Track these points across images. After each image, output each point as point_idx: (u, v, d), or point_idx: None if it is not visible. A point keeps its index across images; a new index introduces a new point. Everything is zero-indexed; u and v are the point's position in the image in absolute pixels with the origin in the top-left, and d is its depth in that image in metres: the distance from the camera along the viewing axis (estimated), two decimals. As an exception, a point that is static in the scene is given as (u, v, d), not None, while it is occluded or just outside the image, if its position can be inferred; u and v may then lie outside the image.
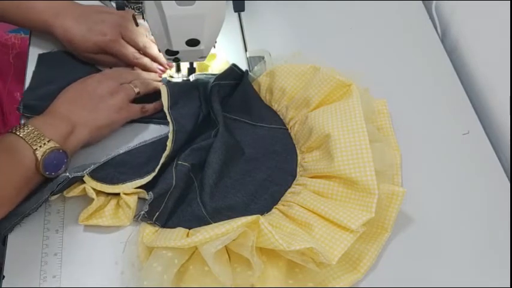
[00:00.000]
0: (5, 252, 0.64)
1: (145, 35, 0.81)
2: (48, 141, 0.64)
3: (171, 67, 0.82)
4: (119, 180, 0.68)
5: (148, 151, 0.73)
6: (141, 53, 0.80)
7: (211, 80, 0.78)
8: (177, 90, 0.76)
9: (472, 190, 0.73)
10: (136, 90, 0.75)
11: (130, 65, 0.80)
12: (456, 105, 0.83)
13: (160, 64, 0.81)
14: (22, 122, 0.69)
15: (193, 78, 0.81)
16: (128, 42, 0.79)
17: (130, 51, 0.79)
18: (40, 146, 0.63)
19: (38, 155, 0.63)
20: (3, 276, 0.62)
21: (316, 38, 0.90)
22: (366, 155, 0.66)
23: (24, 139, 0.63)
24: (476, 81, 0.87)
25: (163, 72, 0.81)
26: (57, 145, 0.65)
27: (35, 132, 0.64)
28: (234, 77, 0.80)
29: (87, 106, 0.70)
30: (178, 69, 0.81)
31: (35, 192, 0.65)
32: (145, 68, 0.80)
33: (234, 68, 0.80)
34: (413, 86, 0.84)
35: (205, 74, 0.82)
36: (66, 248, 0.65)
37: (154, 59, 0.81)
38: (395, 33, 0.91)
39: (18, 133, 0.64)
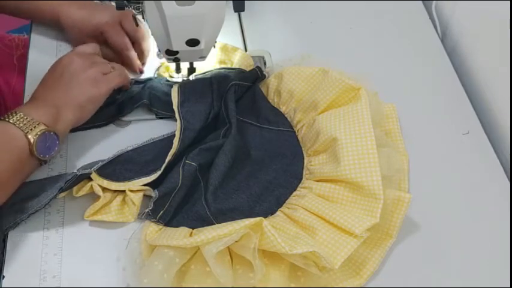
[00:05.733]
0: (5, 252, 0.64)
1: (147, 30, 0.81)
2: (38, 124, 0.65)
3: (141, 72, 0.81)
4: (125, 177, 0.68)
5: (156, 149, 0.73)
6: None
7: (230, 75, 0.78)
8: (190, 87, 0.76)
9: (472, 190, 0.73)
10: (111, 65, 0.75)
11: (119, 54, 0.80)
12: (456, 105, 0.83)
13: (144, 60, 0.82)
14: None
15: (211, 72, 0.81)
16: (127, 30, 0.79)
17: (123, 40, 0.79)
18: (31, 129, 0.64)
19: (30, 138, 0.64)
20: (3, 276, 0.62)
21: (316, 38, 0.90)
22: (372, 159, 0.66)
23: (14, 124, 0.64)
24: (476, 81, 0.87)
25: (141, 72, 0.81)
26: (47, 127, 0.65)
27: (25, 117, 0.65)
28: (255, 79, 0.80)
29: (61, 87, 0.70)
30: (178, 69, 0.81)
31: (43, 190, 0.66)
32: (129, 62, 0.80)
33: (257, 70, 0.80)
34: (413, 86, 0.84)
35: (225, 68, 0.82)
36: (66, 248, 0.65)
37: (141, 54, 0.81)
38: (395, 33, 0.91)
39: (7, 119, 0.65)
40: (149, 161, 0.71)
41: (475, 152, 0.77)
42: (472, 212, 0.71)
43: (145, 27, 0.81)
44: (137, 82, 0.80)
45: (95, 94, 0.71)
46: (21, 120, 0.65)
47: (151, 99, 0.77)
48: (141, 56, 0.82)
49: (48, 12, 0.81)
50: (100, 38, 0.80)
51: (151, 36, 0.81)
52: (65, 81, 0.70)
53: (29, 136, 0.64)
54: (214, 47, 0.76)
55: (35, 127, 0.65)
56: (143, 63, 0.83)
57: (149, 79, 0.81)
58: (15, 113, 0.66)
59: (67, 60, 0.72)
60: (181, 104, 0.74)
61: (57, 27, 0.84)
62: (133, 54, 0.80)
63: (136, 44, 0.81)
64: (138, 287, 0.60)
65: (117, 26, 0.79)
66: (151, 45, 0.83)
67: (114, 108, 0.76)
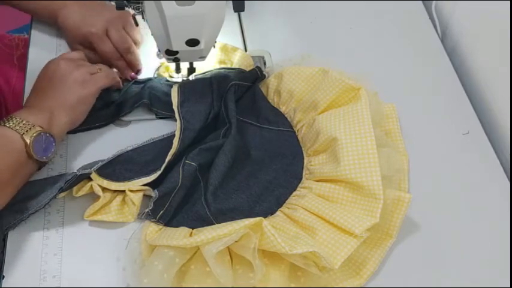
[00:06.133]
0: (5, 252, 0.64)
1: (138, 40, 0.82)
2: (33, 126, 0.66)
3: (133, 79, 0.81)
4: (124, 177, 0.68)
5: (156, 149, 0.73)
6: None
7: (230, 75, 0.78)
8: (190, 87, 0.76)
9: (472, 190, 0.73)
10: (98, 67, 0.75)
11: (107, 63, 0.79)
12: (456, 105, 0.83)
13: (134, 70, 0.82)
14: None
15: (211, 72, 0.80)
16: (113, 41, 0.79)
17: (109, 49, 0.79)
18: (26, 131, 0.65)
19: (26, 139, 0.65)
20: (3, 276, 0.62)
21: (316, 38, 0.90)
22: (372, 159, 0.66)
23: (10, 128, 0.65)
24: (476, 81, 0.87)
25: (133, 79, 0.81)
26: (43, 128, 0.66)
27: (21, 121, 0.66)
28: (255, 79, 0.80)
29: (51, 91, 0.71)
30: (178, 69, 0.81)
31: (43, 190, 0.66)
32: (119, 71, 0.80)
33: (256, 71, 0.80)
34: (413, 86, 0.84)
35: (225, 68, 0.82)
36: (66, 248, 0.65)
37: (130, 65, 0.81)
38: (395, 33, 0.91)
39: (3, 124, 0.65)
40: (149, 161, 0.71)
41: (475, 152, 0.77)
42: (472, 212, 0.71)
43: (134, 38, 0.81)
44: (137, 82, 0.80)
45: (85, 94, 0.72)
46: (17, 123, 0.65)
47: (151, 99, 0.77)
48: (131, 66, 0.81)
49: (47, 12, 0.82)
50: (90, 45, 0.80)
51: (145, 43, 0.83)
52: (54, 86, 0.71)
53: (25, 137, 0.65)
54: (214, 47, 0.76)
55: (30, 129, 0.65)
56: (137, 71, 0.82)
57: (149, 79, 0.81)
58: (11, 118, 0.66)
59: (54, 66, 0.73)
60: (181, 104, 0.74)
61: (55, 27, 0.84)
62: (120, 63, 0.80)
63: (123, 55, 0.80)
64: (138, 287, 0.60)
65: (103, 36, 0.78)
66: (138, 57, 0.81)
67: (114, 108, 0.77)
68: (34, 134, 0.65)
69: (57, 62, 0.73)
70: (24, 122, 0.66)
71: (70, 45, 0.84)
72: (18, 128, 0.65)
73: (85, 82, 0.72)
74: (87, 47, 0.80)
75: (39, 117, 0.67)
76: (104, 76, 0.75)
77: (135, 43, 0.82)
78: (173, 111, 0.74)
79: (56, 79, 0.71)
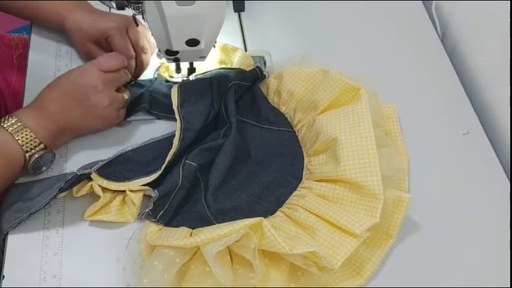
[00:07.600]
0: (5, 252, 0.64)
1: (146, 39, 0.82)
2: (39, 144, 0.66)
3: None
4: (125, 177, 0.68)
5: (156, 149, 0.73)
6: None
7: (230, 75, 0.78)
8: (190, 87, 0.76)
9: (472, 190, 0.73)
10: (126, 98, 0.75)
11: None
12: (456, 105, 0.83)
13: (140, 73, 0.82)
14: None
15: (211, 72, 0.81)
16: (132, 38, 0.79)
17: (128, 46, 0.78)
18: (32, 150, 0.66)
19: (28, 157, 0.66)
20: (3, 276, 0.62)
21: (316, 38, 0.90)
22: (372, 159, 0.66)
23: (16, 140, 0.65)
24: (476, 81, 0.87)
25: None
26: (47, 149, 0.67)
27: (29, 134, 0.65)
28: (255, 79, 0.80)
29: (79, 111, 0.70)
30: (178, 69, 0.81)
31: (43, 190, 0.66)
32: (129, 69, 0.79)
33: (257, 71, 0.80)
34: (413, 86, 0.84)
35: (225, 68, 0.82)
36: (66, 248, 0.65)
37: (139, 66, 0.81)
38: (395, 33, 0.91)
39: (6, 127, 0.65)
40: (149, 161, 0.71)
41: (475, 152, 0.77)
42: (472, 212, 0.71)
43: (151, 42, 0.82)
44: (138, 85, 0.80)
45: (99, 129, 0.74)
46: (24, 135, 0.65)
47: (151, 102, 0.77)
48: (139, 67, 0.81)
49: (53, 15, 0.81)
50: (103, 43, 0.79)
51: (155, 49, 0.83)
52: (84, 107, 0.70)
53: (28, 154, 0.66)
54: (214, 47, 0.76)
55: (36, 148, 0.66)
56: (137, 75, 0.81)
57: (150, 80, 0.81)
58: (21, 127, 0.66)
59: (92, 84, 0.70)
60: (181, 104, 0.74)
61: (59, 31, 0.84)
62: (133, 63, 0.80)
63: (137, 54, 0.80)
64: (138, 287, 0.60)
65: (124, 31, 0.78)
66: (148, 61, 0.82)
67: None
68: (36, 156, 0.66)
69: (97, 83, 0.70)
70: (30, 135, 0.65)
71: (80, 46, 0.82)
72: (24, 143, 0.65)
73: (108, 120, 0.73)
74: (101, 46, 0.80)
75: (49, 131, 0.67)
76: (123, 113, 0.75)
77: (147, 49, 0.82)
78: (173, 112, 0.74)
79: (90, 103, 0.70)
